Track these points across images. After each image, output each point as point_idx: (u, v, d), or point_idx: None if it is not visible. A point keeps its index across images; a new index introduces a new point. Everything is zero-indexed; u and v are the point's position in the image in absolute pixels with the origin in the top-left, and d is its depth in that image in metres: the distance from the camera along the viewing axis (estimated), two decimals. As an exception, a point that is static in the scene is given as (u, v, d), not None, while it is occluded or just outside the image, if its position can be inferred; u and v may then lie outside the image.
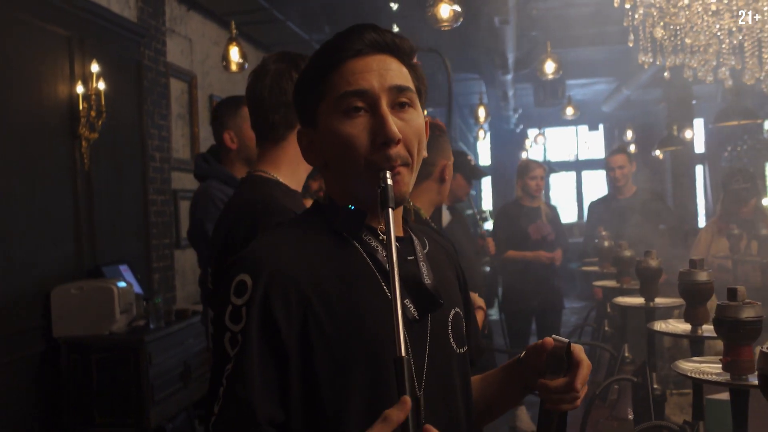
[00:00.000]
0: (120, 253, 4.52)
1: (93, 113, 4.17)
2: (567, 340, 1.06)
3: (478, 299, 2.69)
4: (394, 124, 1.00)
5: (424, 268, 1.08)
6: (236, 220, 1.52)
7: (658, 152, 10.88)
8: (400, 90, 1.02)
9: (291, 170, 1.61)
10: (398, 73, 1.04)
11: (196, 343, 4.33)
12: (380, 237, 1.05)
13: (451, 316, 1.10)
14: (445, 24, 3.68)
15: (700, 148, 12.37)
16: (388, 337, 0.95)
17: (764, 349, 0.81)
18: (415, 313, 1.03)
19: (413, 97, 1.05)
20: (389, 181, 0.95)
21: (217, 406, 0.94)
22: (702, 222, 10.97)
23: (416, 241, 1.12)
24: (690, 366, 1.28)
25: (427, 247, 1.15)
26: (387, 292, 1.00)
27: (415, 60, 1.09)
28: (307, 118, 1.08)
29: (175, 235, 5.32)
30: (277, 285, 0.97)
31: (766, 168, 10.48)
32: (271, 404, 0.94)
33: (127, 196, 4.70)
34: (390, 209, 0.93)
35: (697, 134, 10.98)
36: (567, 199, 14.50)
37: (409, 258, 1.08)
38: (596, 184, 14.40)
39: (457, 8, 3.62)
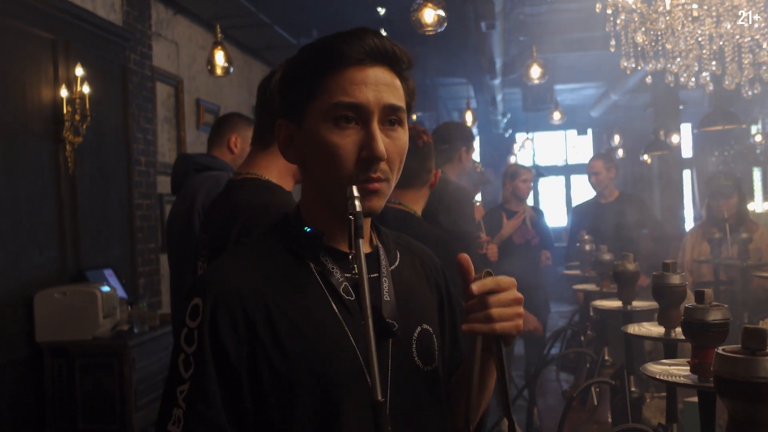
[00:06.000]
0: (104, 257, 4.51)
1: (77, 117, 4.16)
2: (487, 270, 1.01)
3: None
4: (382, 142, 1.00)
5: (386, 286, 1.07)
6: (251, 220, 1.50)
7: (645, 157, 10.93)
8: (393, 109, 1.03)
9: (280, 176, 1.66)
10: (393, 90, 1.04)
11: (181, 347, 4.31)
12: (339, 259, 1.05)
13: (416, 334, 1.09)
14: (429, 29, 3.69)
15: (687, 152, 12.43)
16: (334, 361, 0.98)
17: (720, 351, 0.81)
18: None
19: (403, 116, 1.05)
20: (357, 205, 0.90)
21: (177, 427, 0.97)
22: (690, 226, 11.01)
23: (383, 256, 1.11)
24: (658, 368, 1.29)
25: (397, 262, 1.15)
26: (338, 314, 1.01)
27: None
28: (292, 113, 1.07)
29: (160, 239, 5.30)
30: (222, 308, 0.98)
31: (754, 173, 10.53)
32: (232, 426, 0.98)
33: (112, 200, 4.69)
34: (360, 240, 0.89)
35: (684, 139, 11.03)
36: (556, 204, 14.55)
37: (372, 275, 1.06)
38: (585, 189, 14.46)
39: (442, 13, 3.62)
